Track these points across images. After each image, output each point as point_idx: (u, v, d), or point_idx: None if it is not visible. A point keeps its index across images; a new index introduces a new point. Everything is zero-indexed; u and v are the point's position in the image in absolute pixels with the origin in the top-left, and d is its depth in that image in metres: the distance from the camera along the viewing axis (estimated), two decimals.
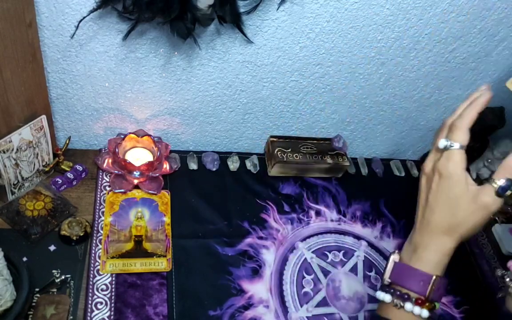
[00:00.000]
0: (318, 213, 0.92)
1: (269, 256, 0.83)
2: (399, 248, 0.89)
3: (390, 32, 0.83)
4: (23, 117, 0.75)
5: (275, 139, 0.97)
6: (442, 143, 0.55)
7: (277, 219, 0.89)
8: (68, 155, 0.88)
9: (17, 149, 0.75)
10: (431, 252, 0.55)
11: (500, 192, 0.52)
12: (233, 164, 0.96)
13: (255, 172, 0.96)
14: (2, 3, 0.62)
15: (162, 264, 0.76)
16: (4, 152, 0.73)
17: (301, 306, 0.77)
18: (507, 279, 0.60)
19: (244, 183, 0.94)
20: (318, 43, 0.83)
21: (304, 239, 0.87)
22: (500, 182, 0.52)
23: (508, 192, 0.52)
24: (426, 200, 0.57)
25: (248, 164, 0.97)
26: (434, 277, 0.54)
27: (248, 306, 0.75)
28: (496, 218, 1.03)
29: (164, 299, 0.72)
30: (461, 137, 0.54)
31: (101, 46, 0.76)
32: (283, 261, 0.83)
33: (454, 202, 0.54)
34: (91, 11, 0.69)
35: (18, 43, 0.67)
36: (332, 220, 0.92)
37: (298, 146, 0.97)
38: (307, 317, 0.76)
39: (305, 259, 0.84)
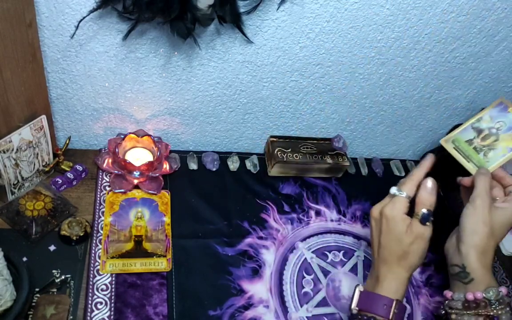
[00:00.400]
0: (318, 213, 0.92)
1: (269, 256, 0.83)
2: None
3: (390, 32, 0.83)
4: (23, 117, 0.75)
5: (275, 139, 0.97)
6: (392, 190, 0.69)
7: (277, 219, 0.89)
8: (68, 155, 0.88)
9: (17, 149, 0.75)
10: (390, 281, 0.65)
11: (423, 222, 0.65)
12: (233, 164, 0.96)
13: (255, 172, 0.96)
14: (2, 3, 0.62)
15: (162, 264, 0.76)
16: (4, 152, 0.73)
17: (301, 306, 0.77)
18: (448, 309, 0.68)
19: (244, 183, 0.94)
20: (318, 43, 0.83)
21: (304, 239, 0.87)
22: (420, 213, 0.65)
23: (430, 220, 0.65)
24: (378, 241, 0.68)
25: (248, 164, 0.97)
26: (395, 301, 0.63)
27: (248, 306, 0.75)
28: None
29: (164, 299, 0.72)
30: (408, 188, 0.68)
31: (101, 46, 0.76)
32: (283, 261, 0.83)
33: (399, 238, 0.65)
34: (91, 11, 0.69)
35: (18, 43, 0.67)
36: (332, 220, 0.92)
37: (298, 146, 0.97)
38: (307, 317, 0.76)
39: (305, 259, 0.84)
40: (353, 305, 0.66)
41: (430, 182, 0.67)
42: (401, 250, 0.65)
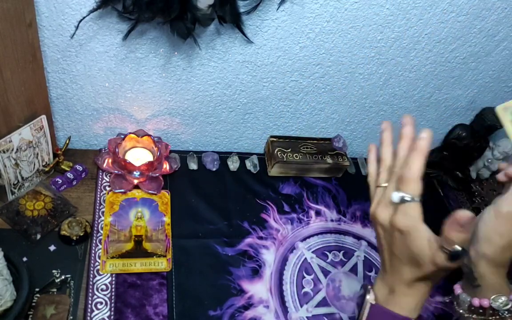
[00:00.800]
0: (318, 213, 0.92)
1: (269, 256, 0.83)
2: None
3: (390, 32, 0.83)
4: (23, 117, 0.75)
5: (275, 139, 0.97)
6: (395, 197, 0.53)
7: (277, 219, 0.89)
8: (68, 155, 0.87)
9: (17, 149, 0.75)
10: (409, 297, 0.55)
11: (452, 260, 0.51)
12: (233, 164, 0.96)
13: (255, 172, 0.96)
14: (2, 3, 0.62)
15: (162, 264, 0.76)
16: (4, 152, 0.73)
17: (301, 306, 0.77)
18: (455, 305, 0.60)
19: (244, 183, 0.94)
20: (318, 43, 0.83)
21: (304, 239, 0.87)
22: (452, 249, 0.50)
23: (461, 258, 0.51)
24: (390, 251, 0.56)
25: (248, 164, 0.97)
26: None
27: (248, 306, 0.75)
28: None
29: (164, 299, 0.72)
30: (415, 188, 0.52)
31: (101, 46, 0.76)
32: (283, 261, 0.83)
33: (417, 258, 0.52)
34: (91, 11, 0.69)
35: (18, 43, 0.67)
36: (332, 220, 0.92)
37: (298, 146, 0.97)
38: (307, 317, 0.76)
39: (305, 259, 0.84)
40: (363, 318, 0.56)
41: (463, 215, 0.49)
42: (420, 271, 0.53)
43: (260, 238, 0.85)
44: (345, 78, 0.90)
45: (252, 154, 0.99)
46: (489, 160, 1.09)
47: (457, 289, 0.60)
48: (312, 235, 0.88)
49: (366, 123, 1.02)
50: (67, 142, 0.86)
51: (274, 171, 0.95)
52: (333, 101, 0.95)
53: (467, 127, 1.03)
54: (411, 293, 0.55)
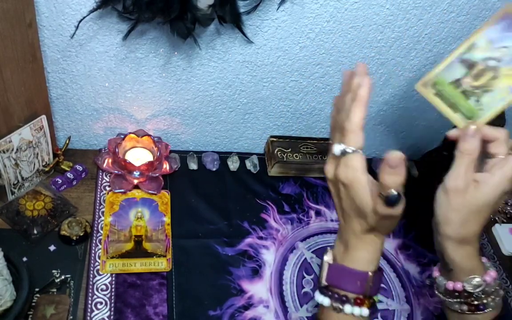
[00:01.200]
0: (318, 213, 0.92)
1: (269, 256, 0.83)
2: (399, 248, 0.89)
3: (390, 32, 0.83)
4: (23, 117, 0.75)
5: (275, 139, 0.97)
6: (337, 149, 0.53)
7: (277, 219, 0.89)
8: (68, 155, 0.88)
9: (17, 149, 0.75)
10: (362, 251, 0.54)
11: (390, 205, 0.49)
12: (233, 164, 0.96)
13: (255, 172, 0.96)
14: (2, 3, 0.62)
15: (162, 264, 0.76)
16: (4, 152, 0.73)
17: (301, 306, 0.77)
18: (434, 288, 0.60)
19: (244, 183, 0.94)
20: (318, 43, 0.83)
21: (304, 239, 0.87)
22: (387, 195, 0.49)
23: (400, 201, 0.49)
24: (340, 207, 0.55)
25: (248, 164, 0.97)
26: (370, 274, 0.53)
27: (248, 306, 0.75)
28: (496, 218, 1.03)
29: (164, 299, 0.72)
30: (355, 140, 0.52)
31: (101, 46, 0.76)
32: (283, 261, 0.83)
33: (363, 211, 0.52)
34: (91, 11, 0.69)
35: (18, 43, 0.67)
36: (332, 220, 0.92)
37: (298, 146, 0.97)
38: (307, 317, 0.76)
39: (305, 259, 0.84)
40: (322, 279, 0.56)
41: (394, 156, 0.48)
42: (368, 225, 0.52)
43: (260, 238, 0.85)
44: None
45: (252, 154, 0.99)
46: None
47: (435, 271, 0.60)
48: (312, 235, 0.88)
49: (366, 123, 1.01)
50: (67, 142, 0.86)
51: (274, 171, 0.95)
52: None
53: None
54: (364, 246, 0.54)
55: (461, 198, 0.53)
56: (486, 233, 0.99)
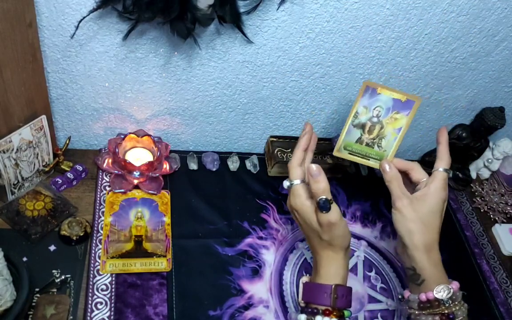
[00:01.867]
0: None
1: (269, 256, 0.83)
2: None
3: (390, 32, 0.83)
4: (23, 117, 0.75)
5: (275, 139, 0.97)
6: (285, 184, 0.68)
7: (277, 219, 0.89)
8: (68, 155, 0.88)
9: (17, 149, 0.75)
10: (326, 267, 0.64)
11: (323, 210, 0.61)
12: (233, 164, 0.96)
13: (255, 172, 0.96)
14: (2, 3, 0.62)
15: (162, 264, 0.76)
16: (4, 152, 0.73)
17: None
18: (406, 307, 0.68)
19: (244, 183, 0.94)
20: (318, 43, 0.83)
21: (304, 239, 0.87)
22: (316, 203, 0.62)
23: (329, 205, 0.61)
24: (304, 232, 0.68)
25: (248, 164, 0.97)
26: (333, 286, 0.61)
27: (248, 306, 0.75)
28: (496, 218, 1.03)
29: (164, 299, 0.72)
30: (295, 174, 0.67)
31: (101, 46, 0.76)
32: (283, 261, 0.83)
33: (314, 229, 0.64)
34: (91, 11, 0.69)
35: (18, 43, 0.67)
36: None
37: None
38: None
39: (305, 259, 0.84)
40: (299, 299, 0.66)
41: (314, 169, 0.62)
42: (322, 240, 0.64)
43: (260, 238, 0.85)
44: (345, 78, 0.90)
45: (252, 154, 0.99)
46: (489, 160, 1.09)
47: (406, 293, 0.68)
48: None
49: None
50: (67, 142, 0.86)
51: (274, 171, 0.95)
52: (333, 101, 0.95)
53: (467, 127, 1.03)
54: (327, 263, 0.64)
55: (411, 210, 0.65)
56: (486, 233, 0.99)
